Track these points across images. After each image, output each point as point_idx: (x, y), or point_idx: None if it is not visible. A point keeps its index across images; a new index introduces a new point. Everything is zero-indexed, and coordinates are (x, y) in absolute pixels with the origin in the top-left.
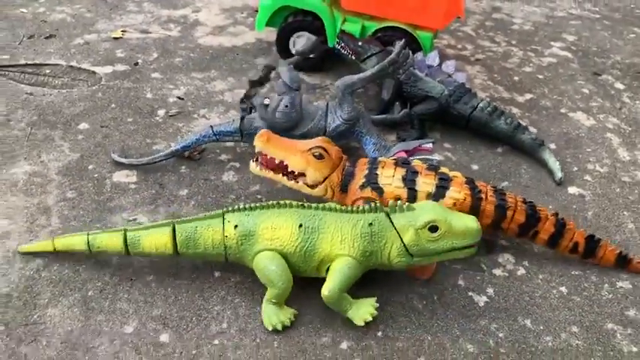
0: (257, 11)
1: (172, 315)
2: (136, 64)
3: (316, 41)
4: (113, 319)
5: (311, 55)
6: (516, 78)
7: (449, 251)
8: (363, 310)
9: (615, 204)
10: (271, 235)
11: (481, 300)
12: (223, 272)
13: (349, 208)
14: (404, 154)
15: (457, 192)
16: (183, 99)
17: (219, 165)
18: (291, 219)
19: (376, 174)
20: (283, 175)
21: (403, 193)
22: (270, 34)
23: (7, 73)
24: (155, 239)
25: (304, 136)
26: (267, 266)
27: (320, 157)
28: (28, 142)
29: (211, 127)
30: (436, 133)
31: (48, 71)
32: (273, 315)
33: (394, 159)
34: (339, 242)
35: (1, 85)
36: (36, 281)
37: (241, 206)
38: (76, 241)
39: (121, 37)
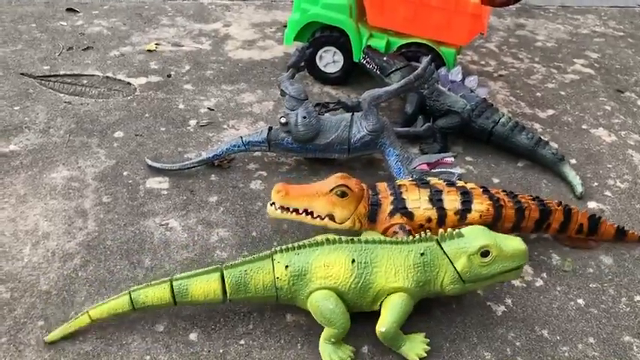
0: (285, 26)
1: (201, 315)
2: (169, 75)
3: (302, 50)
4: (145, 318)
5: (302, 64)
6: (539, 94)
7: (500, 274)
8: (416, 346)
9: (635, 219)
10: (324, 273)
11: (499, 309)
12: None
13: (399, 240)
14: (426, 167)
15: (480, 204)
16: (213, 110)
17: (247, 173)
18: (344, 255)
19: (403, 199)
20: (307, 214)
21: (433, 213)
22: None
23: (47, 82)
24: (204, 287)
25: (328, 146)
26: (325, 305)
27: (344, 195)
28: (67, 149)
29: (241, 137)
30: (458, 146)
31: (85, 81)
32: (333, 354)
33: (412, 180)
34: (393, 275)
35: (41, 94)
36: (73, 280)
37: (290, 245)
38: (117, 305)
39: (154, 50)
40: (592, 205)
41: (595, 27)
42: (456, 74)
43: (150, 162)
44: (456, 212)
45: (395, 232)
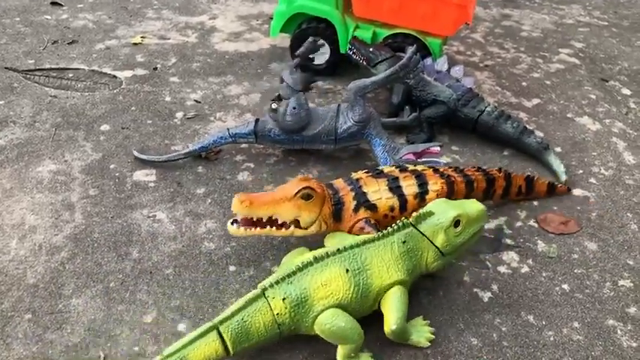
0: (272, 18)
1: (189, 306)
2: (155, 68)
3: (314, 42)
4: (133, 309)
5: (311, 56)
6: (524, 83)
7: (470, 239)
8: (422, 331)
9: (619, 206)
10: (324, 292)
11: (485, 296)
12: (238, 267)
13: (378, 235)
14: (412, 156)
15: (435, 184)
16: (200, 102)
17: (234, 165)
18: (336, 268)
19: (364, 192)
20: (271, 227)
21: (395, 201)
22: (284, 40)
23: (32, 77)
24: (203, 352)
25: (315, 137)
26: (336, 325)
27: (309, 197)
28: (53, 143)
29: (228, 129)
30: (444, 136)
31: (71, 75)
32: None
33: (365, 171)
34: (386, 271)
35: (27, 89)
36: (60, 273)
37: (277, 277)
38: None
39: (140, 43)
40: (577, 192)
41: (580, 17)
42: (441, 64)
43: (137, 154)
44: (415, 196)
45: (362, 228)
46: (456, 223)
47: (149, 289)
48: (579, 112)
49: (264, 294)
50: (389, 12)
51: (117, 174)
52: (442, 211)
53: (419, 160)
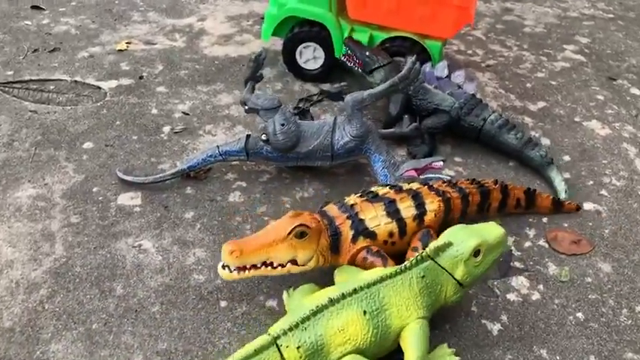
0: (263, 19)
1: (177, 350)
2: (141, 77)
3: (256, 59)
4: (117, 354)
5: (258, 73)
6: (529, 85)
7: (490, 267)
8: None
9: (633, 220)
10: (342, 339)
11: (495, 328)
12: (229, 302)
13: (395, 270)
14: (414, 173)
15: (432, 203)
16: (188, 114)
17: (225, 184)
18: (353, 311)
19: (361, 219)
20: (267, 266)
21: (394, 226)
22: (277, 43)
23: (11, 90)
24: None
25: (310, 154)
26: None
27: (303, 235)
28: (32, 164)
29: (217, 146)
30: (446, 146)
31: (52, 87)
32: None
33: (359, 195)
34: (405, 310)
35: (5, 103)
36: (39, 314)
37: (290, 322)
38: None
39: (125, 50)
40: (588, 206)
41: (584, 9)
42: (441, 70)
43: (121, 175)
44: (413, 218)
45: (365, 259)
46: (476, 253)
47: (134, 330)
48: (587, 115)
49: (275, 343)
50: (386, 14)
51: (100, 198)
52: (461, 240)
53: (421, 176)
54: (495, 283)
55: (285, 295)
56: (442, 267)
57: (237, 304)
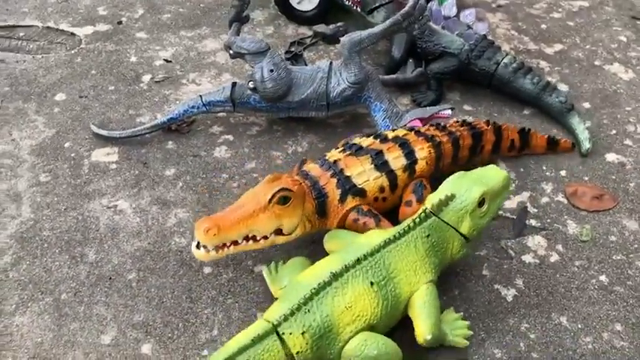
0: None
1: (156, 321)
2: (120, 22)
3: None
4: (89, 327)
5: (244, 14)
6: (544, 26)
7: (494, 214)
8: (458, 329)
9: None
10: (350, 316)
11: (509, 294)
12: (214, 267)
13: (398, 232)
14: (419, 123)
15: (422, 150)
16: (170, 62)
17: (210, 139)
18: (359, 284)
19: (347, 177)
20: (248, 242)
21: (384, 180)
22: None
23: None
24: None
25: (303, 103)
26: (369, 354)
27: (286, 200)
28: None
29: (200, 96)
30: (455, 93)
31: (22, 34)
32: None
33: (341, 149)
34: (414, 275)
35: None
36: (2, 283)
37: (290, 306)
38: None
39: None
40: (611, 157)
41: None
42: (449, 8)
43: (95, 129)
44: (404, 169)
45: (356, 220)
46: (481, 202)
47: (108, 301)
48: (608, 58)
49: (276, 330)
50: None
51: (73, 154)
52: (464, 191)
53: (427, 126)
54: (509, 243)
55: (265, 271)
56: (447, 222)
57: (222, 270)
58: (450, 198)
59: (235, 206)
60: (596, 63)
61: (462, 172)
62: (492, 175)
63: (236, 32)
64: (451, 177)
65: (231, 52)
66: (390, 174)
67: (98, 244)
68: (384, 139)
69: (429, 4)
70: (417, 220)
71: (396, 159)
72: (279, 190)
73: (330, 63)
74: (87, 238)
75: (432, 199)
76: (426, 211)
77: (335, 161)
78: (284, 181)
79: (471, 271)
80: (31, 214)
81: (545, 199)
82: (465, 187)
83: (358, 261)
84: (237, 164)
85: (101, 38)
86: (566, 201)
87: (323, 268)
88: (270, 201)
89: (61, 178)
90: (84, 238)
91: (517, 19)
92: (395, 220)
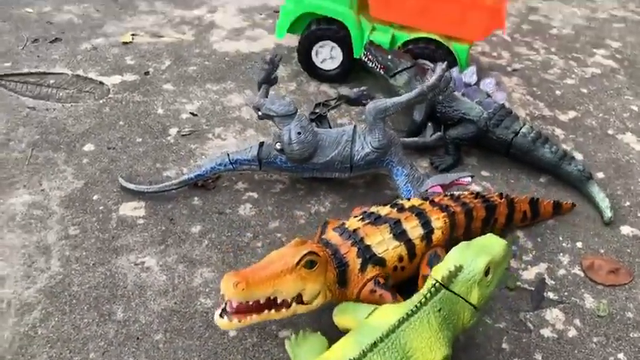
0: (277, 12)
1: None
2: (147, 73)
3: (271, 61)
4: None
5: (274, 77)
6: (558, 92)
7: (499, 283)
8: None
9: None
10: None
11: None
12: (239, 331)
13: (409, 310)
14: (439, 189)
15: (437, 219)
16: (196, 115)
17: (234, 195)
18: None
19: (367, 246)
20: (270, 309)
21: (403, 250)
22: (291, 40)
23: (8, 83)
24: None
25: (328, 165)
26: None
27: (312, 264)
28: (29, 167)
29: (228, 154)
30: (472, 158)
31: (52, 81)
32: None
33: (359, 217)
34: (430, 352)
35: (1, 98)
36: (31, 340)
37: None
38: None
39: (130, 42)
40: (626, 230)
41: (613, 10)
42: (470, 75)
43: (123, 182)
44: (421, 238)
45: (373, 291)
46: (487, 271)
47: None
48: (621, 127)
49: None
50: (411, 13)
51: (101, 207)
52: (470, 261)
53: (447, 193)
54: (528, 315)
55: (287, 344)
56: (457, 294)
57: (247, 334)
58: (459, 269)
59: (262, 264)
60: (609, 132)
61: (465, 242)
62: (493, 244)
63: (265, 94)
64: (455, 248)
65: (259, 113)
66: (409, 243)
67: (126, 301)
68: (401, 209)
69: (450, 70)
70: (428, 294)
71: (413, 228)
72: (307, 254)
73: (355, 127)
74: (115, 295)
75: (440, 271)
76: (436, 284)
77: (355, 230)
78: (311, 247)
79: (490, 344)
80: (60, 268)
81: (562, 271)
82: (471, 258)
83: (375, 344)
84: (261, 223)
85: (129, 88)
86: (582, 274)
87: (340, 355)
88: (297, 263)
89: (89, 232)
90: (112, 295)
91: (532, 84)
92: (409, 291)
